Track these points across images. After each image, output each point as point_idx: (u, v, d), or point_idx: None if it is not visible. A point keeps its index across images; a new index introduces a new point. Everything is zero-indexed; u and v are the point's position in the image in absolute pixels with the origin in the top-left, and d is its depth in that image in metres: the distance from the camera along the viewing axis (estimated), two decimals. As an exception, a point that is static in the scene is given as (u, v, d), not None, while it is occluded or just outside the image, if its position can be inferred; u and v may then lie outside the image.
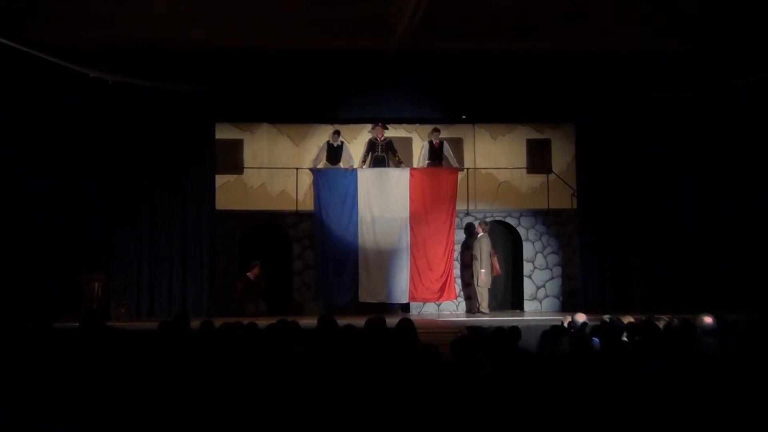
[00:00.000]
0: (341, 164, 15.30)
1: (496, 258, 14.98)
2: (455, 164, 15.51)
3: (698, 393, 5.29)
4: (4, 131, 13.80)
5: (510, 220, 16.00)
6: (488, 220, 15.39)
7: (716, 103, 14.84)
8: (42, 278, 13.69)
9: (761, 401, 4.99)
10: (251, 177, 15.99)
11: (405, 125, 16.16)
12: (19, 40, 12.59)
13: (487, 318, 13.87)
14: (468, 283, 15.38)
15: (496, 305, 15.51)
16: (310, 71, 14.15)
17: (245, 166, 16.00)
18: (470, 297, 15.34)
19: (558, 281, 15.83)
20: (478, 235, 14.93)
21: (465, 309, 15.55)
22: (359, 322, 7.92)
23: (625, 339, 7.80)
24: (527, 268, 15.83)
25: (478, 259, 14.73)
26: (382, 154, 15.27)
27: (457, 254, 15.46)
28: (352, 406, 4.95)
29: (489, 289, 14.85)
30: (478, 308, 14.76)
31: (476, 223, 15.29)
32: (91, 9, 12.61)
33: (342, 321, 7.80)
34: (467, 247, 15.47)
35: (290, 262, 15.47)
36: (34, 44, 12.69)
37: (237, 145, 16.02)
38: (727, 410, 4.98)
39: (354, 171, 15.05)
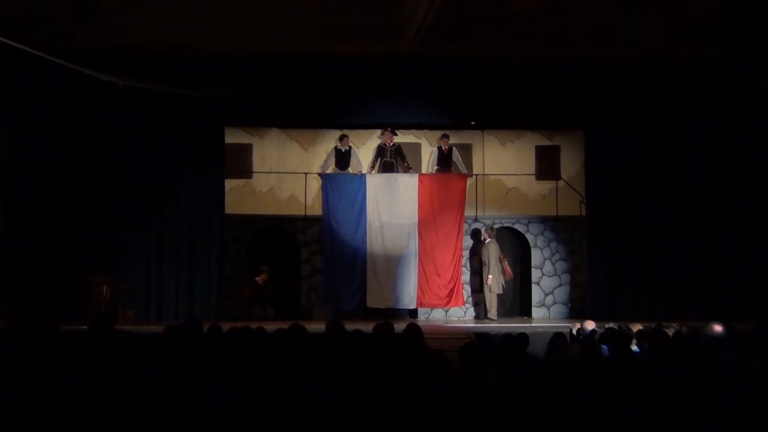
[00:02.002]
0: (350, 169, 15.29)
1: (506, 262, 14.95)
2: (464, 170, 15.49)
3: (707, 401, 5.26)
4: (14, 134, 13.87)
5: (518, 227, 15.96)
6: (496, 226, 15.38)
7: (726, 110, 14.80)
8: (50, 281, 13.73)
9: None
10: (260, 181, 16.01)
11: (414, 131, 16.15)
12: (29, 43, 12.65)
13: (495, 324, 13.84)
14: (476, 289, 15.35)
15: (504, 312, 15.47)
16: (319, 76, 14.21)
17: (254, 170, 16.01)
18: (478, 303, 15.33)
19: (566, 288, 15.79)
20: (486, 242, 14.92)
21: (473, 315, 15.53)
22: (367, 327, 7.92)
23: (634, 347, 7.77)
24: (535, 274, 15.80)
25: (487, 264, 14.71)
26: (391, 160, 15.26)
27: (465, 260, 15.43)
28: (360, 412, 4.94)
29: (499, 295, 14.82)
30: (486, 315, 14.74)
31: (483, 229, 15.27)
32: (101, 14, 12.66)
33: (350, 326, 7.80)
34: (475, 253, 15.45)
35: (298, 266, 15.46)
36: (44, 48, 12.75)
37: (246, 150, 16.03)
38: (737, 419, 4.96)
39: (363, 176, 15.04)
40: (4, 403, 5.02)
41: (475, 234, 15.59)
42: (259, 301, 14.65)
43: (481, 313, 15.12)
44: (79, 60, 13.03)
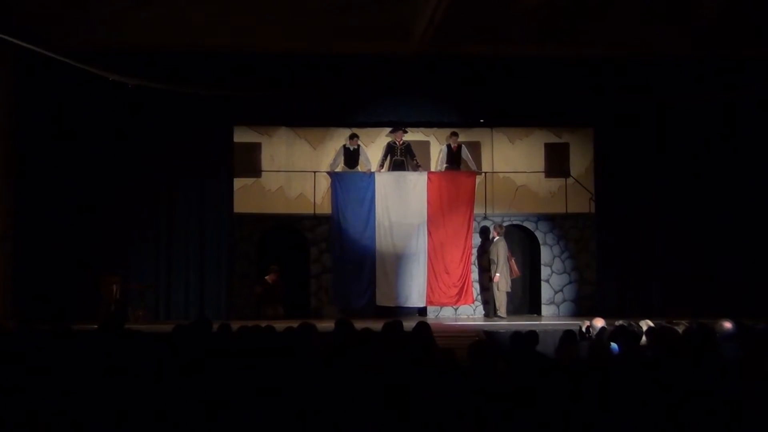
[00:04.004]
0: (358, 168, 15.29)
1: (513, 260, 14.94)
2: (474, 167, 15.47)
3: (718, 399, 5.24)
4: (24, 134, 13.92)
5: (528, 224, 15.93)
6: (505, 223, 15.36)
7: (736, 107, 14.76)
8: (61, 280, 13.78)
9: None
10: (269, 180, 16.02)
11: (423, 129, 16.15)
12: (39, 43, 12.69)
13: (504, 322, 13.82)
14: (486, 287, 15.33)
15: (513, 309, 15.44)
16: (328, 75, 14.20)
17: (263, 169, 16.03)
18: (488, 301, 15.30)
19: (576, 285, 15.75)
20: (494, 239, 14.90)
21: (482, 313, 15.51)
22: (376, 325, 7.92)
23: (644, 344, 7.75)
24: (545, 272, 15.77)
25: (496, 263, 14.69)
26: (401, 158, 15.23)
27: (474, 258, 15.41)
28: (369, 410, 4.94)
29: (508, 293, 14.80)
30: (496, 312, 14.72)
31: (491, 227, 15.25)
32: (111, 13, 12.70)
33: (359, 324, 7.81)
34: (485, 251, 15.43)
35: (307, 265, 15.47)
36: (54, 48, 12.79)
37: (255, 149, 16.05)
38: (748, 416, 4.94)
39: (371, 174, 15.04)
40: (14, 402, 5.04)
41: (484, 232, 15.57)
42: (269, 300, 14.66)
43: (490, 311, 15.11)
44: (88, 60, 13.06)
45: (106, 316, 11.20)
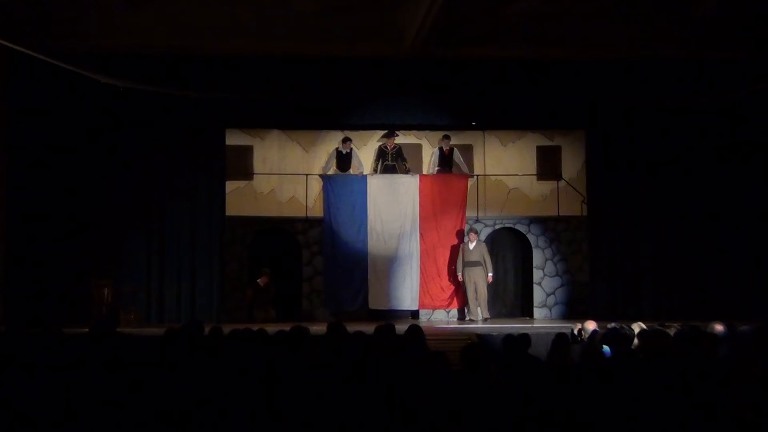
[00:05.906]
0: (351, 171, 15.29)
1: None
2: (466, 170, 15.48)
3: (709, 402, 5.25)
4: (15, 136, 13.87)
5: (520, 227, 15.94)
6: (497, 226, 15.46)
7: (729, 109, 14.79)
8: (52, 283, 13.72)
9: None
10: (261, 183, 15.99)
11: (415, 132, 16.15)
12: (30, 46, 12.66)
13: (497, 325, 13.80)
14: (464, 289, 15.11)
15: (505, 312, 15.46)
16: (320, 78, 14.21)
17: (255, 172, 16.00)
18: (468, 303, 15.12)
19: (568, 288, 15.75)
20: (475, 243, 14.72)
21: (468, 317, 15.38)
22: (369, 328, 7.91)
23: (636, 347, 7.75)
24: (537, 275, 15.77)
25: (483, 263, 14.62)
26: (392, 163, 15.25)
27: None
28: (361, 413, 4.93)
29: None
30: (482, 316, 14.68)
31: (467, 232, 15.01)
32: (102, 16, 12.68)
33: (352, 327, 7.80)
34: (461, 255, 15.14)
35: (300, 268, 15.45)
36: (45, 50, 12.76)
37: (247, 151, 16.02)
38: (740, 419, 4.95)
39: (363, 177, 15.05)
40: (5, 405, 5.02)
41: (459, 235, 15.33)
42: (261, 303, 14.65)
43: (481, 312, 14.95)
44: (80, 62, 13.04)
45: (97, 320, 11.14)
